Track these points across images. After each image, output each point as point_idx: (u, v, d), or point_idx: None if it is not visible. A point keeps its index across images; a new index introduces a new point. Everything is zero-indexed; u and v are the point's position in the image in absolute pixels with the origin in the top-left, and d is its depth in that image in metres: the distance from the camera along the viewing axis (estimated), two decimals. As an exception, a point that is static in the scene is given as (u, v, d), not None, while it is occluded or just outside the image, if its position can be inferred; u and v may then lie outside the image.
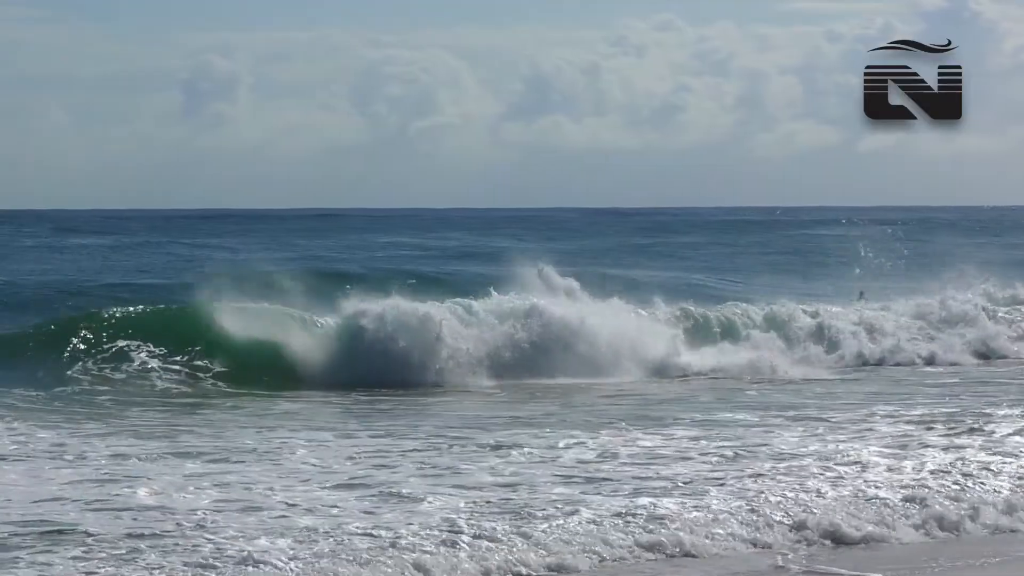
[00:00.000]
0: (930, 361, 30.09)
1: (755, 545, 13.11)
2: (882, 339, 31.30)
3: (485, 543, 12.50)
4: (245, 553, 11.98)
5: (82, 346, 25.27)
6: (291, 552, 12.06)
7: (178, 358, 25.26)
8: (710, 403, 22.95)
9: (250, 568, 11.66)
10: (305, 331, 26.78)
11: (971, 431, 19.03)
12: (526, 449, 17.44)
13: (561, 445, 17.79)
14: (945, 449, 17.51)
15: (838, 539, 13.35)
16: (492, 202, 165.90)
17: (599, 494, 14.62)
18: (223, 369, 25.25)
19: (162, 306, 26.82)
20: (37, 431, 18.74)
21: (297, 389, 24.67)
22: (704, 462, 16.58)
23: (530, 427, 19.69)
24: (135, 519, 13.27)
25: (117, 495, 14.37)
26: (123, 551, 12.07)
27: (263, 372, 25.21)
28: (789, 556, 12.91)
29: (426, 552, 12.17)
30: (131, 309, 26.95)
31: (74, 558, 11.90)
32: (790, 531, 13.45)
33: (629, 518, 13.38)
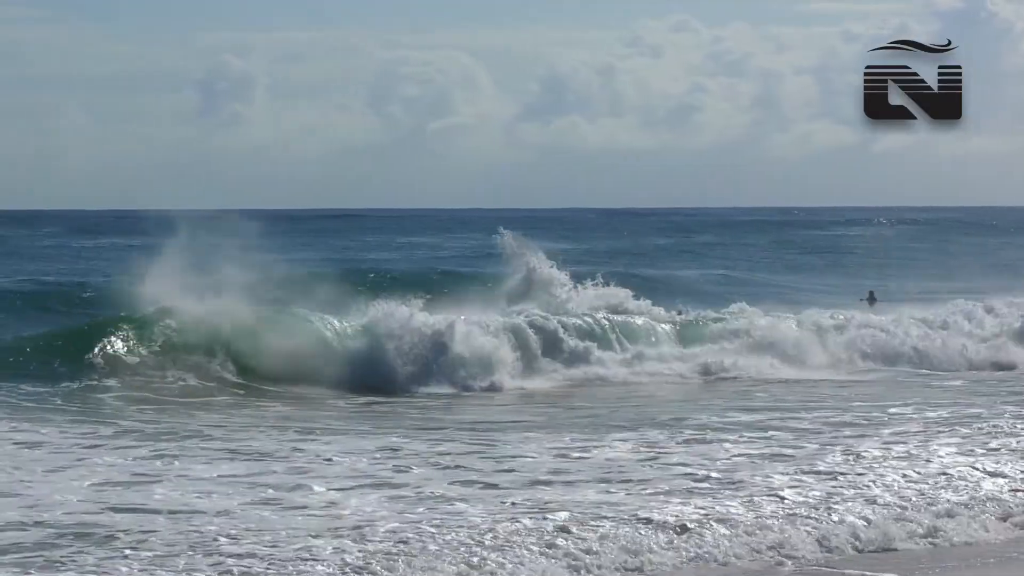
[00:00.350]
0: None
1: (777, 548, 13.10)
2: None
3: (531, 545, 12.57)
4: (297, 553, 12.06)
5: (101, 348, 25.21)
6: (351, 553, 12.10)
7: (199, 362, 25.17)
8: (721, 405, 22.98)
9: (313, 568, 11.72)
10: (312, 333, 26.68)
11: (989, 432, 19.16)
12: (548, 450, 17.56)
13: (582, 447, 17.88)
14: (969, 452, 17.59)
15: (860, 543, 13.40)
16: (507, 202, 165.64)
17: (629, 494, 14.75)
18: (235, 371, 25.20)
19: (177, 308, 26.75)
20: (57, 433, 18.80)
21: (301, 392, 24.57)
22: (726, 464, 16.64)
23: (544, 429, 19.80)
24: (170, 520, 13.30)
25: (146, 496, 14.45)
26: (167, 554, 12.08)
27: (272, 374, 25.15)
28: (801, 557, 12.96)
29: (482, 554, 12.26)
30: (146, 310, 26.84)
31: (123, 557, 11.94)
32: (817, 534, 13.47)
33: (650, 522, 13.44)
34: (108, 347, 25.21)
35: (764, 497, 14.58)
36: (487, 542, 12.53)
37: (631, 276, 41.91)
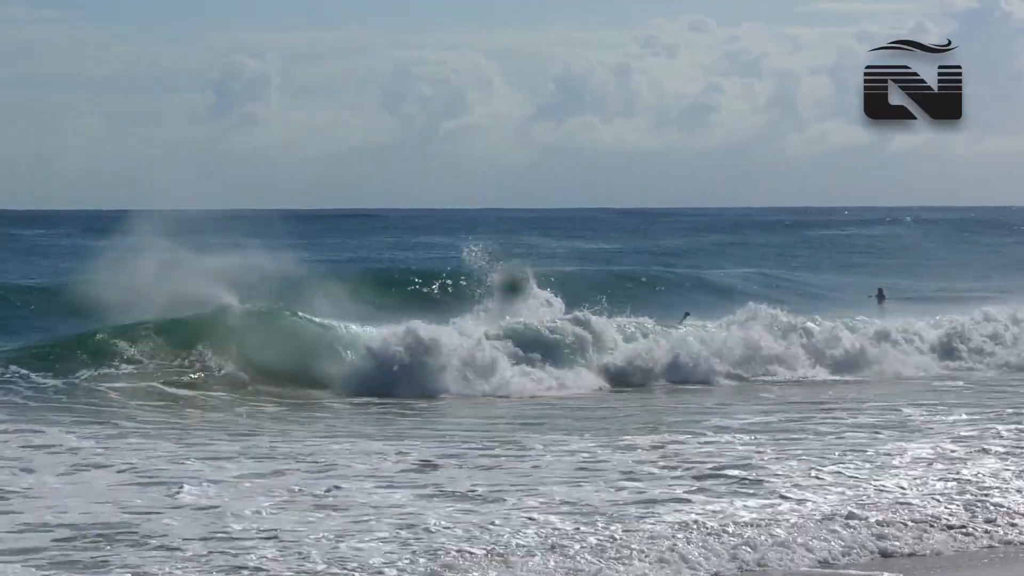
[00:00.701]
0: None
1: (794, 550, 13.12)
2: None
3: (571, 543, 12.61)
4: (341, 554, 12.10)
5: (114, 350, 25.18)
6: (401, 555, 12.14)
7: (212, 365, 25.12)
8: (734, 407, 22.94)
9: (356, 570, 11.75)
10: (317, 337, 26.67)
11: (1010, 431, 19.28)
12: (569, 451, 17.61)
13: (601, 448, 17.92)
14: (986, 452, 17.66)
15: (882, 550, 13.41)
16: (520, 202, 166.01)
17: (660, 492, 14.88)
18: (249, 373, 25.13)
19: (192, 312, 26.77)
20: (70, 434, 18.77)
21: (310, 395, 24.42)
22: (746, 465, 16.66)
23: (559, 430, 19.85)
24: (198, 522, 13.28)
25: (170, 497, 14.46)
26: (204, 553, 12.10)
27: (281, 376, 25.08)
28: (816, 559, 12.98)
29: (526, 552, 12.31)
30: (160, 316, 26.79)
31: (163, 559, 11.93)
32: (834, 536, 13.48)
33: (681, 523, 13.52)
34: (122, 348, 25.20)
35: (785, 498, 14.68)
36: (527, 540, 12.60)
37: (651, 272, 41.88)
